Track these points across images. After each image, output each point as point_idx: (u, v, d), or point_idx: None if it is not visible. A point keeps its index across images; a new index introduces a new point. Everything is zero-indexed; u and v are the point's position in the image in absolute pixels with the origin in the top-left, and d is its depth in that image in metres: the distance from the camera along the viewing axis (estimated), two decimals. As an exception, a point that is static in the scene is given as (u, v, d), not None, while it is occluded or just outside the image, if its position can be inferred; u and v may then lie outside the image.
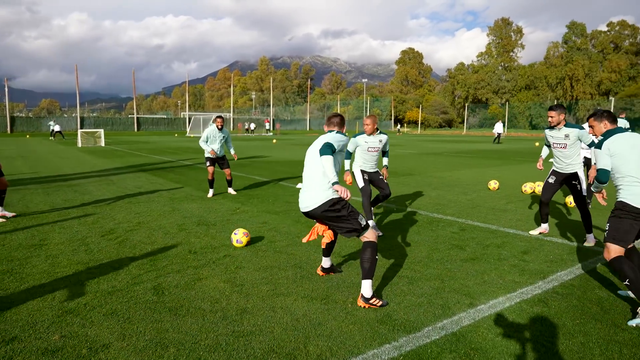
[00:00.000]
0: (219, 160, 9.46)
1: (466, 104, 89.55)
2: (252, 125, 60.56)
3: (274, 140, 37.92)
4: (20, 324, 3.44)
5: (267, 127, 61.69)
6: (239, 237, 5.46)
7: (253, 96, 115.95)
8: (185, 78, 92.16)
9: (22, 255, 5.18)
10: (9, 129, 61.10)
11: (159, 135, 52.43)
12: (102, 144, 29.85)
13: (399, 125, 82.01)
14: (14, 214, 7.25)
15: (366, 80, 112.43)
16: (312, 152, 4.01)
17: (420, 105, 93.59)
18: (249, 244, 5.56)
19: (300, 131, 79.16)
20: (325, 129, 4.27)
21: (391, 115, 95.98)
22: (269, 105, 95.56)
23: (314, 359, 2.96)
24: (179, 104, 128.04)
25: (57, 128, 40.61)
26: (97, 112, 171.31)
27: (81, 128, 52.55)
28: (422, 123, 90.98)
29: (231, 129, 74.48)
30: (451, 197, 9.22)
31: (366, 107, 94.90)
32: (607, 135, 3.92)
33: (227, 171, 9.56)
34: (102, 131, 31.70)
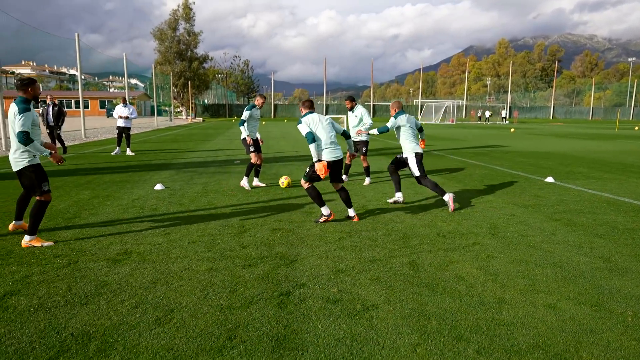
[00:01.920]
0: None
1: None
2: (488, 113, 57.33)
3: (512, 129, 35.21)
4: (306, 274, 4.18)
5: (503, 115, 57.54)
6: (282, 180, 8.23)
7: (488, 82, 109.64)
8: (418, 65, 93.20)
9: (299, 219, 6.24)
10: (272, 114, 73.05)
11: (392, 122, 54.74)
12: (345, 127, 33.01)
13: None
14: (264, 184, 8.85)
15: (634, 58, 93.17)
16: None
17: None
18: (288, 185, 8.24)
19: (541, 120, 71.34)
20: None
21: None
22: (505, 92, 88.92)
23: (589, 367, 2.72)
24: (411, 91, 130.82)
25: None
26: (338, 99, 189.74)
27: (326, 114, 59.04)
28: None
29: (463, 117, 72.31)
30: None
31: (630, 92, 79.04)
32: None
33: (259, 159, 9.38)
34: (345, 117, 35.03)
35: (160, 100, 63.56)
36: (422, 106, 62.74)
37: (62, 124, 14.89)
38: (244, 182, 8.57)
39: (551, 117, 78.24)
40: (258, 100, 8.55)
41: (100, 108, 68.80)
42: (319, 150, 5.81)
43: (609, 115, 76.31)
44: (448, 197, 6.74)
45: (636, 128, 37.85)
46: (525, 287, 3.91)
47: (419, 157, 6.91)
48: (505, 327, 3.18)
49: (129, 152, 15.12)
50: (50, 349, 2.86)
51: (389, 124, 7.01)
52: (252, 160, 8.44)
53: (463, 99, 74.86)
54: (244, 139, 8.39)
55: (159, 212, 6.63)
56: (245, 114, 8.31)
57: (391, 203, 7.23)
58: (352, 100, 9.05)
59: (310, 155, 6.18)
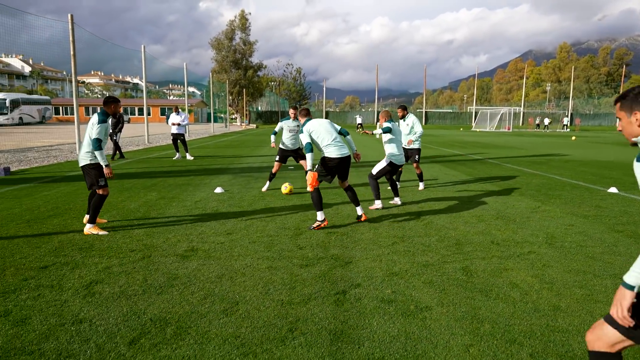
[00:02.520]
0: None
1: None
2: (547, 120, 54.99)
3: (573, 137, 33.66)
4: (361, 275, 4.36)
5: (565, 123, 54.96)
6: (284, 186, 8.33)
7: (548, 88, 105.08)
8: (472, 71, 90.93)
9: (352, 223, 6.42)
10: (323, 121, 73.66)
11: (445, 129, 53.83)
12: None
13: None
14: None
15: None
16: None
17: None
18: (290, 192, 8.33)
19: (606, 127, 67.54)
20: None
21: None
22: (566, 98, 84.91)
23: (647, 376, 2.71)
24: (465, 98, 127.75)
25: (359, 120, 46.98)
26: (389, 106, 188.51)
27: (377, 121, 58.87)
28: None
29: (520, 124, 69.79)
30: None
31: None
32: None
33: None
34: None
35: (216, 107, 66.08)
36: (476, 113, 61.18)
37: (119, 132, 15.55)
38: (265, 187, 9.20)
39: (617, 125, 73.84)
40: (291, 112, 9.00)
41: (161, 115, 72.43)
42: (325, 150, 6.20)
43: None
44: (378, 203, 7.31)
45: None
46: (583, 296, 3.88)
47: (392, 166, 7.40)
48: (560, 334, 3.21)
49: (188, 156, 15.92)
50: (134, 330, 3.21)
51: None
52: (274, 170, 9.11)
53: (520, 106, 72.20)
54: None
55: (220, 213, 7.04)
56: (278, 126, 9.12)
57: (392, 204, 7.77)
58: (405, 109, 9.16)
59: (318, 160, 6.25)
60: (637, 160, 1.93)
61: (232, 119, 70.30)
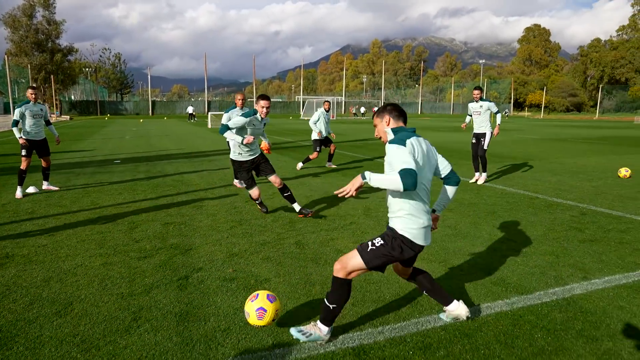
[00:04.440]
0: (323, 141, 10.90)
1: (600, 85, 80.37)
2: (362, 109, 61.24)
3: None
4: (202, 259, 4.51)
5: (362, 112, 62.16)
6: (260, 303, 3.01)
7: (364, 79, 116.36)
8: (299, 62, 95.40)
9: (190, 212, 6.45)
10: (150, 111, 69.14)
11: (276, 118, 55.65)
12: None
13: (506, 110, 76.72)
14: (57, 188, 8.17)
15: (484, 61, 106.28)
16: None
17: (545, 87, 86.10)
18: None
19: (411, 115, 77.88)
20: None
21: (510, 98, 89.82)
22: (379, 89, 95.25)
23: (434, 305, 3.51)
24: (293, 88, 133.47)
25: (190, 110, 45.52)
26: (219, 96, 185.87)
27: (208, 111, 57.75)
28: (546, 107, 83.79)
29: (342, 113, 75.94)
30: (573, 183, 8.95)
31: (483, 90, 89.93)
32: None
33: (332, 147, 11.10)
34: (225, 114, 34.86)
35: (16, 96, 56.43)
36: (303, 102, 64.63)
37: None
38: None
39: (419, 112, 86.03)
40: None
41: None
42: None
43: (466, 110, 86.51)
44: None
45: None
46: (391, 253, 4.71)
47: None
48: (374, 285, 3.89)
49: None
50: (-56, 349, 2.84)
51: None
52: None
53: (342, 96, 78.69)
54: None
55: (37, 215, 6.32)
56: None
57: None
58: (329, 103, 11.08)
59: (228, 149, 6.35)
60: (389, 143, 2.81)
61: (38, 109, 60.89)
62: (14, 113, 7.67)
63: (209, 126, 32.33)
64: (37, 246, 4.90)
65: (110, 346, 2.90)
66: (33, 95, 7.61)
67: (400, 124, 3.01)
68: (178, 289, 3.79)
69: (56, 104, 61.29)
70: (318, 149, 10.69)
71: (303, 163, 10.78)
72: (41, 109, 7.74)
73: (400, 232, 2.84)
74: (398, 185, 2.56)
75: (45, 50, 59.05)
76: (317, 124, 10.73)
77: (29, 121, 7.62)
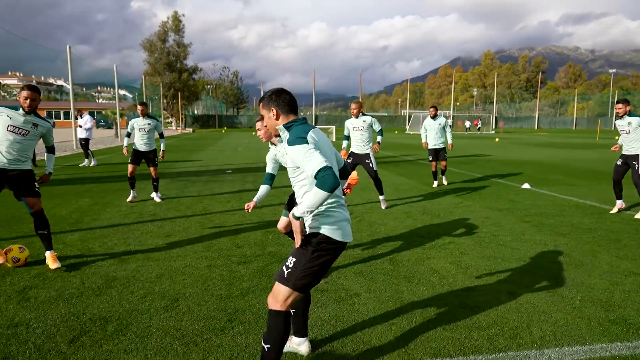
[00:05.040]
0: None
1: None
2: (467, 123, 58.42)
3: (497, 139, 36.10)
4: (296, 269, 4.63)
5: (467, 126, 58.64)
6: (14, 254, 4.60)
7: (475, 92, 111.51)
8: (406, 76, 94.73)
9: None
10: (261, 125, 73.38)
11: (380, 132, 55.59)
12: (334, 138, 33.57)
13: None
14: (160, 200, 8.36)
15: (614, 70, 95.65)
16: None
17: (693, 99, 74.77)
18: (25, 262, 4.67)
19: (527, 129, 72.74)
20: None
21: (647, 112, 79.40)
22: (491, 102, 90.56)
23: (536, 339, 3.20)
24: (399, 102, 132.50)
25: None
26: (327, 110, 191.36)
27: (315, 125, 59.66)
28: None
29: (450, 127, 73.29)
30: None
31: (611, 103, 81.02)
32: None
33: (442, 163, 10.53)
34: (333, 127, 35.65)
35: (150, 111, 63.81)
36: (409, 116, 63.77)
37: None
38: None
39: (536, 127, 79.87)
40: (139, 109, 8.21)
41: (89, 119, 68.74)
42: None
43: (592, 125, 78.15)
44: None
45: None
46: (492, 278, 4.41)
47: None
48: (470, 310, 3.66)
49: (86, 163, 14.77)
50: (73, 330, 3.28)
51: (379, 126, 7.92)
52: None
53: (450, 109, 76.16)
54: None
55: (157, 217, 7.04)
56: (129, 126, 8.30)
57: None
58: (436, 109, 10.53)
59: None
60: (289, 144, 2.44)
61: (167, 123, 68.20)
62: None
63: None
64: (155, 245, 5.44)
65: (206, 343, 3.11)
66: (141, 111, 8.15)
67: (292, 116, 2.58)
68: (272, 295, 3.94)
69: (182, 118, 68.04)
70: (430, 159, 10.49)
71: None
72: (149, 123, 8.15)
73: (316, 231, 2.52)
74: (323, 195, 2.25)
75: (174, 70, 66.06)
76: (423, 135, 10.60)
77: (136, 133, 8.24)
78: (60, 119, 66.18)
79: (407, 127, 59.47)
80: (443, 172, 10.74)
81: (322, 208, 2.53)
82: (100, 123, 59.51)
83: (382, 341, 3.15)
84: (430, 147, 10.44)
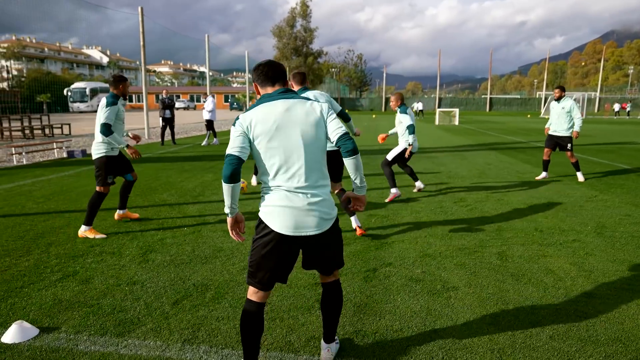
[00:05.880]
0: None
1: None
2: (617, 106, 50.72)
3: (654, 125, 30.98)
4: (394, 255, 4.48)
5: (616, 110, 50.18)
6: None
7: (630, 71, 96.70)
8: (544, 55, 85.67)
9: (395, 207, 6.51)
10: (383, 107, 72.87)
11: (511, 116, 51.47)
12: (457, 122, 31.92)
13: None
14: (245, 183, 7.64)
15: None
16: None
17: None
18: None
19: (696, 114, 61.24)
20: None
21: None
22: (651, 82, 77.87)
23: (673, 365, 2.65)
24: (535, 83, 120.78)
25: (420, 107, 46.19)
26: (453, 92, 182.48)
27: (439, 107, 57.34)
28: None
29: (594, 111, 65.04)
30: None
31: None
32: None
33: (567, 154, 8.78)
34: (457, 110, 33.88)
35: (277, 94, 67.15)
36: (546, 99, 57.78)
37: (172, 117, 15.29)
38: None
39: None
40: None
41: (225, 102, 74.98)
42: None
43: None
44: (395, 191, 6.87)
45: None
46: (621, 285, 3.77)
47: (404, 152, 6.93)
48: (587, 320, 3.18)
49: (205, 142, 15.97)
50: (178, 293, 3.58)
51: (411, 121, 6.77)
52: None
53: (596, 91, 67.13)
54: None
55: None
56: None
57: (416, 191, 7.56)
58: (563, 89, 8.68)
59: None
60: None
61: (292, 105, 71.22)
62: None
63: (437, 122, 32.12)
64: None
65: (291, 320, 3.16)
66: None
67: (269, 88, 2.37)
68: (364, 279, 3.87)
69: (306, 101, 70.51)
70: (545, 145, 9.03)
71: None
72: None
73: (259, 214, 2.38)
74: (223, 184, 2.31)
75: (300, 54, 68.46)
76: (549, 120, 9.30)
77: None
78: (200, 101, 73.32)
79: (542, 110, 53.93)
80: (576, 167, 8.84)
81: (266, 185, 2.37)
82: (233, 105, 64.42)
83: (475, 343, 2.88)
84: (550, 132, 8.91)
